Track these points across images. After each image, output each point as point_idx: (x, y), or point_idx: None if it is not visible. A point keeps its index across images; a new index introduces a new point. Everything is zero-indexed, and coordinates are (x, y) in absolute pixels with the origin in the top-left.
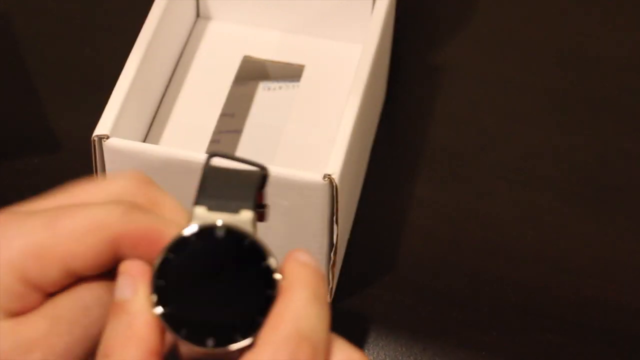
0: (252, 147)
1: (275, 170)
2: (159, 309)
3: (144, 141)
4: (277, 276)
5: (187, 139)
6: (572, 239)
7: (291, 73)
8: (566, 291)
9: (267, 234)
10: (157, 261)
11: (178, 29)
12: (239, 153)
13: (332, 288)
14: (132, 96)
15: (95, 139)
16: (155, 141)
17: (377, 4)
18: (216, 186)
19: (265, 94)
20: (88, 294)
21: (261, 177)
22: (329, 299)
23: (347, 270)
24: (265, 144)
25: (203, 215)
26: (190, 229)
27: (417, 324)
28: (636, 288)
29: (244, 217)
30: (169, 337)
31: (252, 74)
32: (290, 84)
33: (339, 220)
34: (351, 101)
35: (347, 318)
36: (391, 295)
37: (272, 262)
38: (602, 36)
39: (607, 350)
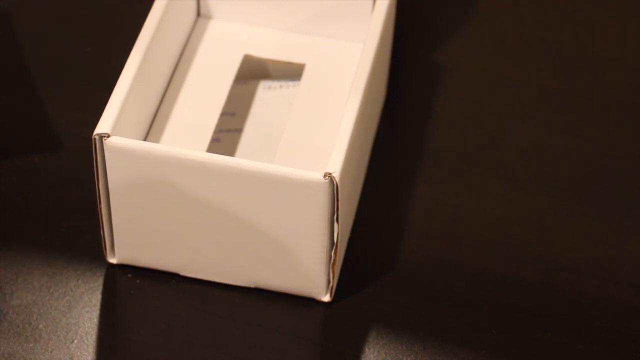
0: (252, 146)
1: (275, 169)
2: None
3: (145, 140)
4: None
5: (188, 138)
6: (572, 239)
7: (292, 72)
8: (567, 290)
9: (267, 233)
10: None
11: (179, 27)
12: (239, 152)
13: (332, 287)
14: (132, 95)
15: (96, 137)
16: (156, 140)
17: (378, 3)
18: None
19: (266, 93)
20: None
21: None
22: (329, 298)
23: (347, 269)
24: (266, 143)
25: None
26: None
27: (417, 323)
28: (637, 287)
29: None
30: None
31: (253, 73)
32: (291, 83)
33: (340, 219)
34: (352, 100)
35: (347, 318)
36: (391, 294)
37: None
38: (603, 36)
39: (608, 349)
